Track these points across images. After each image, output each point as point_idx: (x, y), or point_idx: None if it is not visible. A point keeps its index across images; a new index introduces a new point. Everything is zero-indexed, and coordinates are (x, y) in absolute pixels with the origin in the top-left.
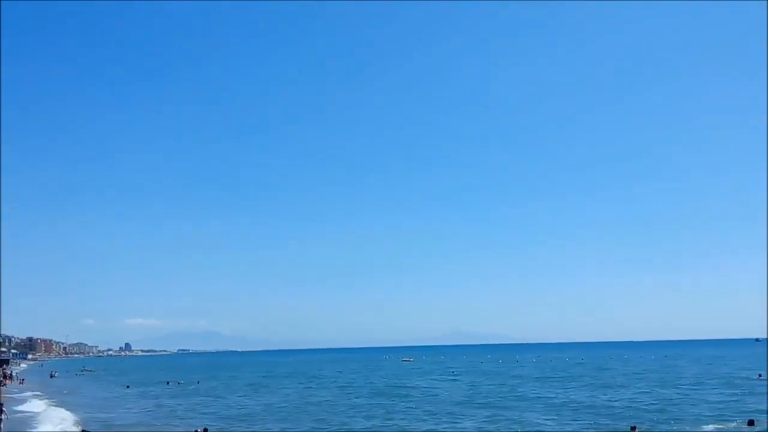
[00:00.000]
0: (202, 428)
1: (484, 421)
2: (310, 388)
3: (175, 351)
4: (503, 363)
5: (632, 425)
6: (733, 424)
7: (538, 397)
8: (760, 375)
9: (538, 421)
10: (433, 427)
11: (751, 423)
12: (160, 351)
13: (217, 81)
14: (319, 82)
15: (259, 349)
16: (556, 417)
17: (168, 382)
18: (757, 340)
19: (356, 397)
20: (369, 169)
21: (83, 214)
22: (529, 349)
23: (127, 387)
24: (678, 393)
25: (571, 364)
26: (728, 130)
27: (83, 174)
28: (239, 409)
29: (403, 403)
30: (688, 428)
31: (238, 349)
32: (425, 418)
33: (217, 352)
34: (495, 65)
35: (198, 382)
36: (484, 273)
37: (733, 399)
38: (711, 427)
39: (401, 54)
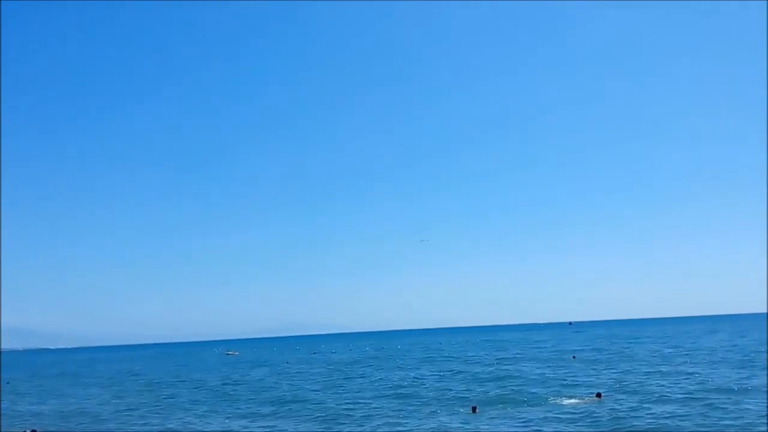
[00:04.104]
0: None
1: None
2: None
3: None
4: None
5: (473, 405)
6: (583, 399)
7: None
8: (574, 356)
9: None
10: None
11: (598, 396)
12: None
13: None
14: None
15: (77, 346)
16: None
17: None
18: (569, 323)
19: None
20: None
21: None
22: (367, 337)
23: None
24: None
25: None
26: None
27: None
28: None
29: None
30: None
31: (51, 347)
32: None
33: (26, 351)
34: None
35: (8, 383)
36: (319, 264)
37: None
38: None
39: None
